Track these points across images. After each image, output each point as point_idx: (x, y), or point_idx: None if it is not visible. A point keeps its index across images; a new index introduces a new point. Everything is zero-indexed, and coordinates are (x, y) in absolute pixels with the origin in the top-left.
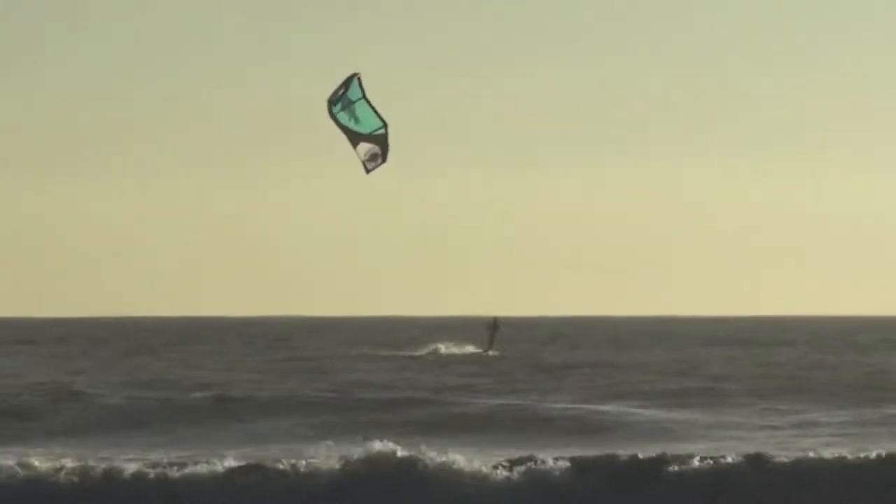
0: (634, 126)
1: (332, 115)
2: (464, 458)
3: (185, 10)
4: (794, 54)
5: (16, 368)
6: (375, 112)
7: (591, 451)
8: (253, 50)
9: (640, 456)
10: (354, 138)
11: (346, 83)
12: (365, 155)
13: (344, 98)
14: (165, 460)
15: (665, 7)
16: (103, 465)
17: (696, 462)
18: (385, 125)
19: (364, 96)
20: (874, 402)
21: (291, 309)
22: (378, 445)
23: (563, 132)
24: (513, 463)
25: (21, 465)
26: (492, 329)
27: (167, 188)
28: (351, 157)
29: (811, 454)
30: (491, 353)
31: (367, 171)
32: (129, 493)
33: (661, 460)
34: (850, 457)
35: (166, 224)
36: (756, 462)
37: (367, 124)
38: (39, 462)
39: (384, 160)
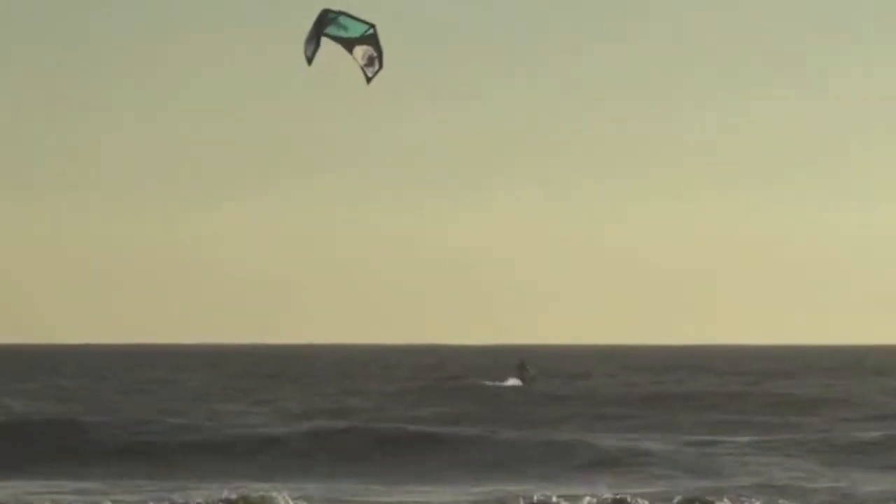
0: (583, 159)
1: (324, 35)
2: None
3: None
4: (731, 81)
5: None
6: (359, 19)
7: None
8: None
9: None
10: (348, 44)
11: (319, 19)
12: (363, 59)
13: (324, 19)
14: None
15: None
16: None
17: None
18: (373, 26)
19: (342, 12)
20: None
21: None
22: None
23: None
24: None
25: None
26: (520, 368)
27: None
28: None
29: None
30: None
31: (368, 79)
32: None
33: None
34: None
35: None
36: None
37: (356, 30)
38: None
39: (381, 65)
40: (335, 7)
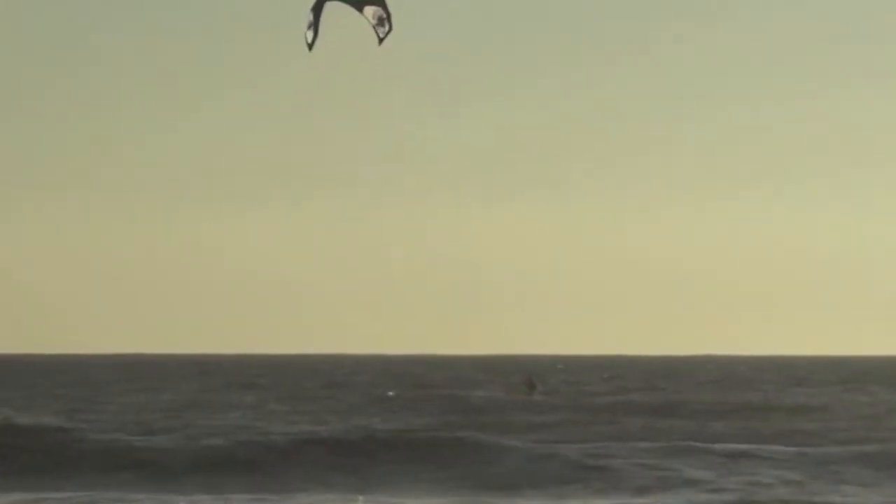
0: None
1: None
2: None
3: None
4: (744, 89)
5: None
6: None
7: None
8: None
9: None
10: (358, 4)
11: (317, 4)
12: (374, 18)
13: (321, 4)
14: None
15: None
16: None
17: None
18: None
19: None
20: None
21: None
22: None
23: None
24: None
25: None
26: (529, 385)
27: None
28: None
29: None
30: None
31: (380, 40)
32: None
33: None
34: None
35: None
36: None
37: None
38: None
39: (391, 27)
40: None
